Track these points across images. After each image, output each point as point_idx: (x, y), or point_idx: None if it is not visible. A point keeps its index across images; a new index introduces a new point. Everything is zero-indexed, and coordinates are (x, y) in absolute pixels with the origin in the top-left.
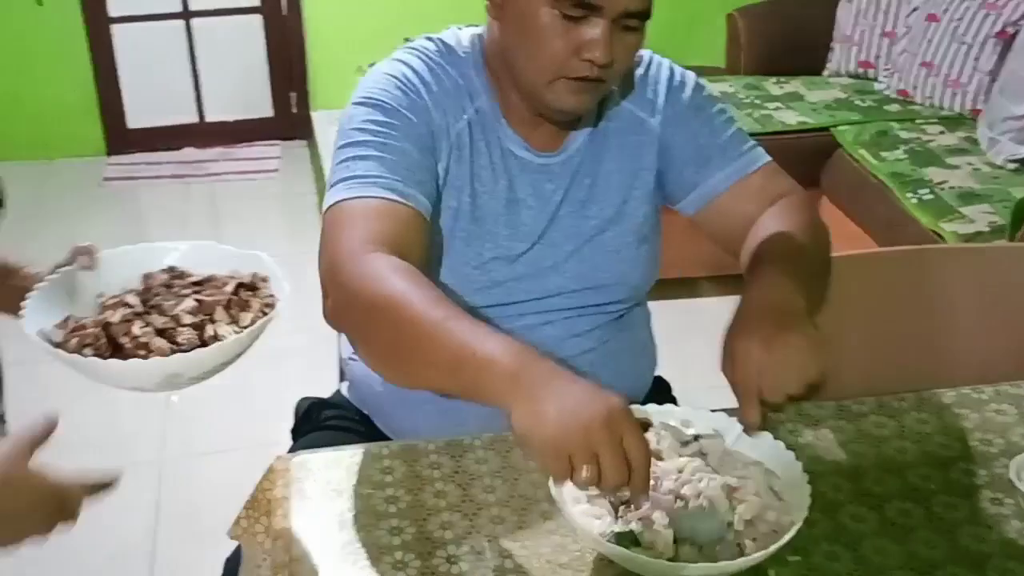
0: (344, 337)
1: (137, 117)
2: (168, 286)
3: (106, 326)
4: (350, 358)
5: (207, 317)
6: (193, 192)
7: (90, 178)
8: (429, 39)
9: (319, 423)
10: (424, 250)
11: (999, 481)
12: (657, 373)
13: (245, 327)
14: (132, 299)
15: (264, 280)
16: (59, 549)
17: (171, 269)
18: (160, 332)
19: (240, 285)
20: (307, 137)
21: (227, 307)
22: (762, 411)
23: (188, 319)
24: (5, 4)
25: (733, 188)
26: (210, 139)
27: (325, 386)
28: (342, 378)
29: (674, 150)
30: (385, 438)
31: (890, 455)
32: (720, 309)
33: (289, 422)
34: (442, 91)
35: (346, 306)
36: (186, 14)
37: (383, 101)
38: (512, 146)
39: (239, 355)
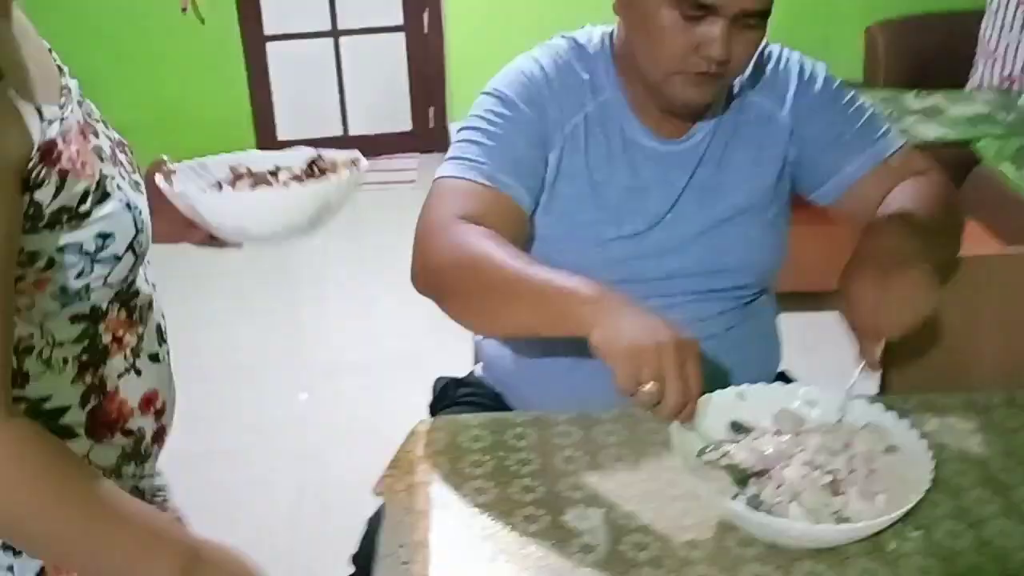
0: None
1: (287, 129)
2: None
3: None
4: (484, 338)
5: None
6: None
7: None
8: (563, 37)
9: (455, 400)
10: (512, 231)
11: None
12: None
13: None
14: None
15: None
16: (207, 524)
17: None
18: None
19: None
20: (443, 149)
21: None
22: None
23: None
24: (171, 23)
25: (870, 173)
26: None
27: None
28: (476, 360)
29: (809, 140)
30: None
31: (1018, 445)
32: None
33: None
34: (564, 87)
35: (434, 266)
36: (335, 32)
37: (506, 94)
38: (637, 135)
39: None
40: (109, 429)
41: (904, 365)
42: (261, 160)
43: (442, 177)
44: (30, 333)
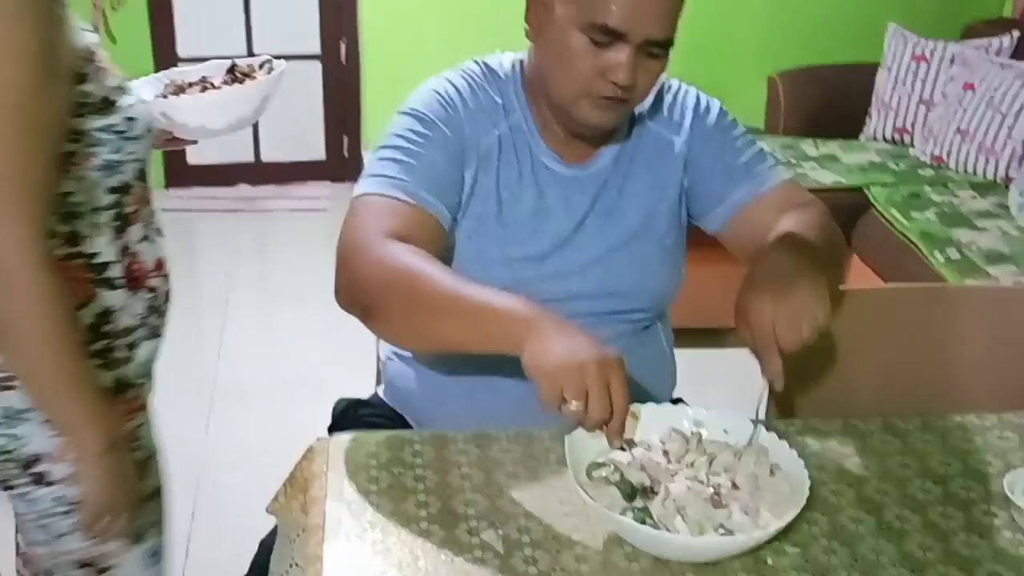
0: (382, 342)
1: (196, 153)
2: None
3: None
4: (388, 359)
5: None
6: (245, 225)
7: None
8: (476, 62)
9: (355, 420)
10: (433, 248)
11: (994, 496)
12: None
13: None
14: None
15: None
16: None
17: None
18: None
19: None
20: (356, 179)
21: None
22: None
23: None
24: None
25: (755, 201)
26: (264, 177)
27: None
28: (379, 381)
29: (700, 168)
30: None
31: (892, 468)
32: (745, 360)
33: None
34: (478, 108)
35: (361, 283)
36: (250, 57)
37: (423, 113)
38: (544, 159)
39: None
40: (138, 283)
41: (789, 392)
42: (188, 73)
43: (363, 194)
44: (82, 200)
